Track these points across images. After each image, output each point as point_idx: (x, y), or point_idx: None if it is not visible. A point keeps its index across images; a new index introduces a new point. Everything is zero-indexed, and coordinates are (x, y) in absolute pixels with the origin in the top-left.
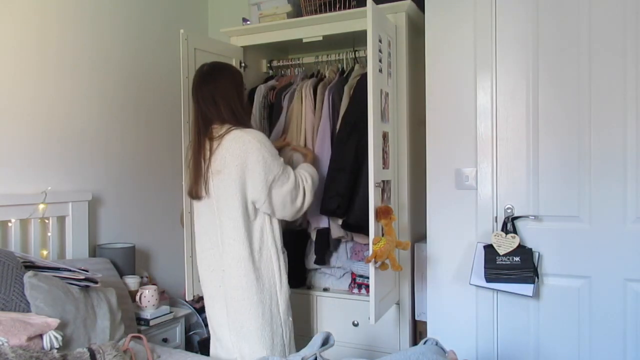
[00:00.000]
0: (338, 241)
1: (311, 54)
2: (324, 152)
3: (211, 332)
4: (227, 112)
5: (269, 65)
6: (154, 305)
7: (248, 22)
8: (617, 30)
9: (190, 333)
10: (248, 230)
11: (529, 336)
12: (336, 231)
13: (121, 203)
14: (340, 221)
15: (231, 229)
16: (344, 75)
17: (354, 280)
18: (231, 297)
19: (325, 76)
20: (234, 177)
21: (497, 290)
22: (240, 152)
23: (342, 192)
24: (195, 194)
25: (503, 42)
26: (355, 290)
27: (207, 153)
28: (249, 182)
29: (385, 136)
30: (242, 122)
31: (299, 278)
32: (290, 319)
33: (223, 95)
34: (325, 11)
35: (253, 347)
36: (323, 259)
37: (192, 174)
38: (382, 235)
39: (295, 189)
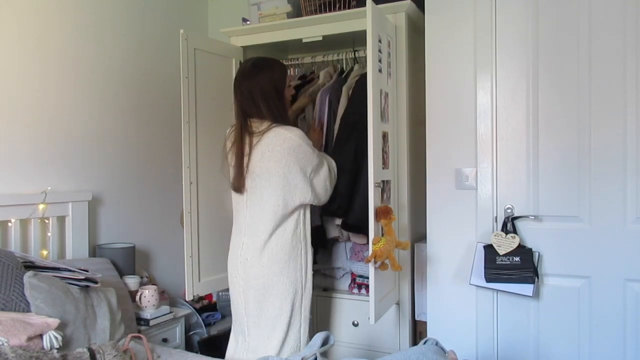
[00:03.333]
0: (334, 241)
1: (311, 54)
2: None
3: (233, 321)
4: (265, 109)
5: None
6: (154, 305)
7: (248, 22)
8: (617, 30)
9: (190, 333)
10: (281, 225)
11: (529, 336)
12: (332, 231)
13: (121, 203)
14: (337, 221)
15: (263, 223)
16: (343, 76)
17: (353, 280)
18: (251, 286)
19: (318, 77)
20: (273, 173)
21: (497, 290)
22: (280, 149)
23: (342, 192)
24: (237, 188)
25: (503, 42)
26: (355, 290)
27: (247, 148)
28: (293, 181)
29: (385, 136)
30: (280, 119)
31: None
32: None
33: (261, 92)
34: (325, 11)
35: (265, 335)
36: (314, 259)
37: (235, 168)
38: (382, 235)
39: (329, 172)
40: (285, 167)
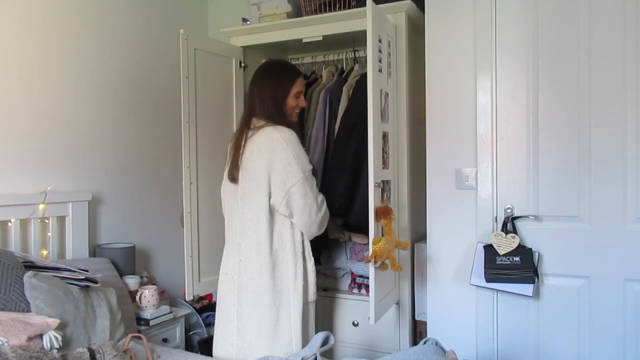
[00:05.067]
0: (335, 241)
1: (311, 54)
2: (317, 153)
3: (217, 317)
4: (260, 108)
5: None
6: (154, 305)
7: (248, 22)
8: (617, 30)
9: (190, 333)
10: (268, 227)
11: (529, 336)
12: (333, 231)
13: (121, 203)
14: (338, 221)
15: (251, 222)
16: (343, 76)
17: (353, 280)
18: (243, 287)
19: (321, 76)
20: (259, 172)
21: (497, 290)
22: (267, 148)
23: (343, 192)
24: (232, 177)
25: (503, 42)
26: (355, 290)
27: (243, 142)
28: (272, 182)
29: (385, 136)
30: (276, 120)
31: None
32: (303, 329)
33: (260, 92)
34: (325, 11)
35: (253, 340)
36: (318, 259)
37: (231, 158)
38: (382, 235)
39: (316, 202)
40: (269, 167)
